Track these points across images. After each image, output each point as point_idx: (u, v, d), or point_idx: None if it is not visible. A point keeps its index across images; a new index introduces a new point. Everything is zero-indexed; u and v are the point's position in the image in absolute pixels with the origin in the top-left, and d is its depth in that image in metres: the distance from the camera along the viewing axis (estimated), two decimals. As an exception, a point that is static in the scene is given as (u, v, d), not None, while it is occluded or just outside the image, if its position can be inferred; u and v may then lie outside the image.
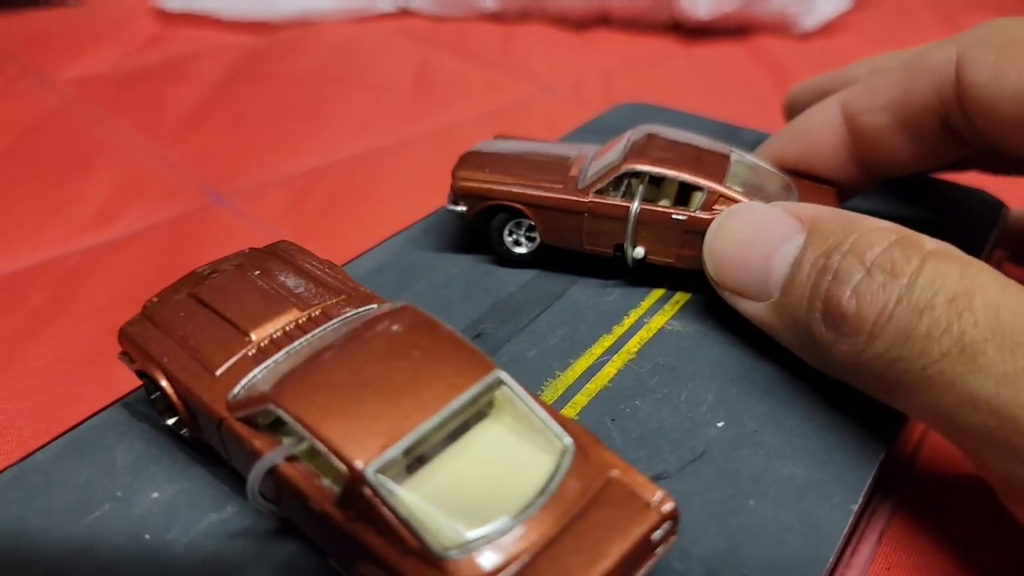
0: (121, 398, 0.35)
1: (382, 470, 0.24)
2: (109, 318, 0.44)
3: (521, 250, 0.42)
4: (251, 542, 0.29)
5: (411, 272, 0.43)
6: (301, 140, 0.65)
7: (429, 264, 0.43)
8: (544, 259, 0.42)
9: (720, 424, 0.34)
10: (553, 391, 0.35)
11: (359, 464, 0.24)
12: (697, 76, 0.85)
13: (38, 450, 0.32)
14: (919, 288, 0.30)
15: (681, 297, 0.41)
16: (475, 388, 0.26)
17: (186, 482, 0.31)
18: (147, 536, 0.29)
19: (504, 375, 0.27)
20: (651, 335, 0.39)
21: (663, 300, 0.41)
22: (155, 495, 0.30)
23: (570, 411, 0.34)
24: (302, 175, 0.61)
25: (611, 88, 0.79)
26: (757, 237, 0.36)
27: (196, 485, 0.31)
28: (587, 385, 0.36)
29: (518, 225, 0.41)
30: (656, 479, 0.31)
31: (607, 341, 0.38)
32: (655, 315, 0.40)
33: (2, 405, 0.38)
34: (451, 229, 0.46)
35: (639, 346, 0.38)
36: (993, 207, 0.49)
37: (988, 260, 0.45)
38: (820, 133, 0.42)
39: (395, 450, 0.24)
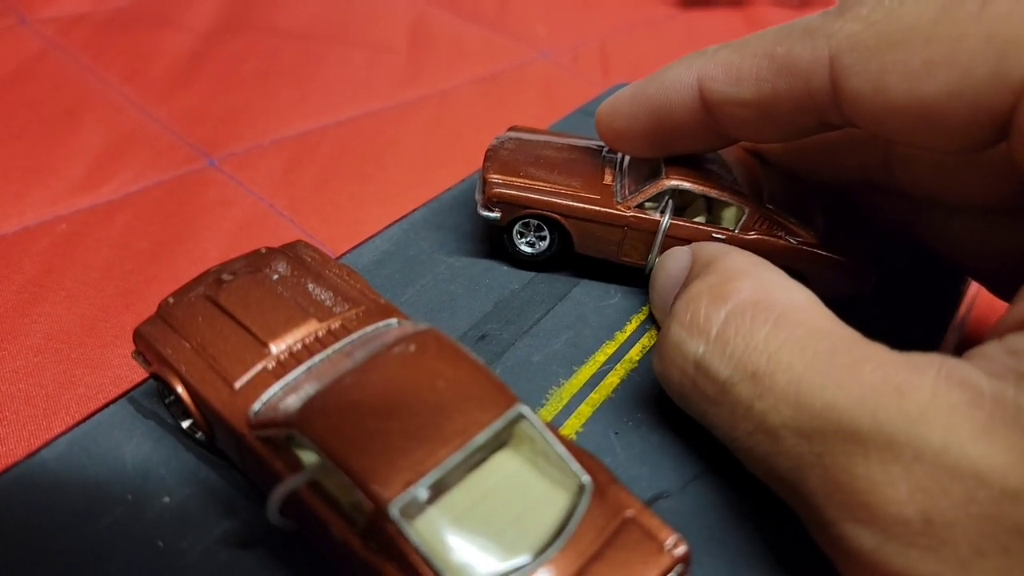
0: (125, 393, 0.35)
1: (405, 506, 0.24)
2: (102, 293, 0.44)
3: (530, 250, 0.42)
4: (266, 552, 0.29)
5: (414, 265, 0.42)
6: (295, 101, 0.64)
7: (432, 256, 0.43)
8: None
9: (719, 441, 0.35)
10: (558, 400, 0.36)
11: (383, 500, 0.24)
12: (693, 44, 0.84)
13: (45, 446, 0.32)
14: (716, 357, 0.30)
15: (682, 302, 0.42)
16: (498, 424, 0.26)
17: (197, 486, 0.31)
18: (160, 544, 0.29)
19: (525, 409, 0.27)
20: (653, 343, 0.39)
21: (665, 305, 0.42)
22: (166, 499, 0.30)
23: (575, 422, 0.35)
24: (296, 139, 0.60)
25: (608, 55, 0.78)
26: (669, 277, 0.37)
27: (207, 490, 0.31)
28: (591, 395, 0.36)
29: (526, 225, 0.41)
30: (657, 498, 0.32)
31: (610, 348, 0.39)
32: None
33: (-2, 386, 0.38)
34: (452, 219, 0.46)
35: (641, 354, 0.39)
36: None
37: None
38: (679, 113, 0.37)
39: (419, 486, 0.25)
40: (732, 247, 0.36)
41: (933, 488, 0.24)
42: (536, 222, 0.41)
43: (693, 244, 0.38)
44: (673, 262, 0.37)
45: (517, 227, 0.41)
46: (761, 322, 0.29)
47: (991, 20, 0.27)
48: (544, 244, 0.41)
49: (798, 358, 0.27)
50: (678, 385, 0.32)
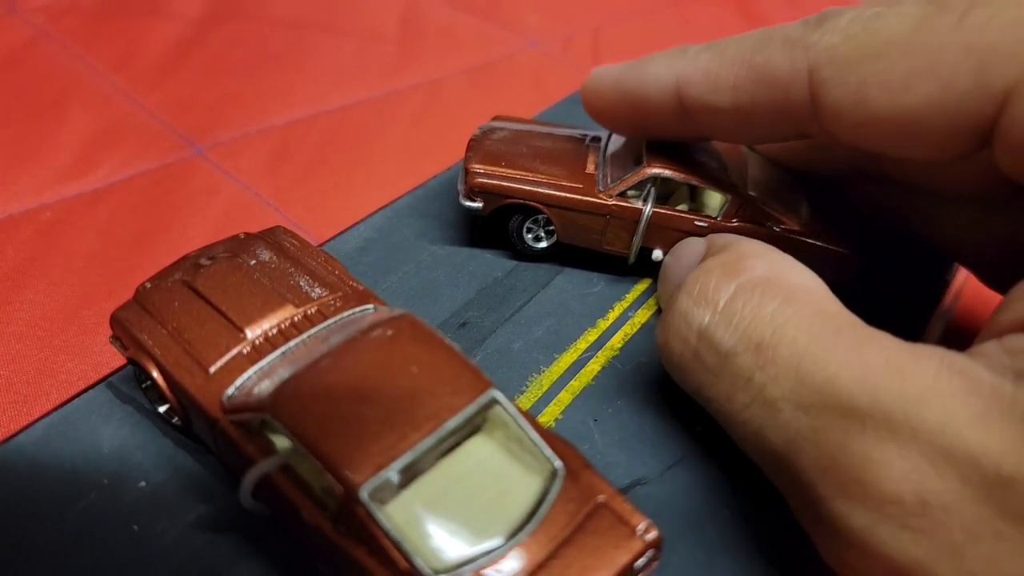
0: (105, 378, 0.35)
1: (376, 490, 0.24)
2: (85, 281, 0.44)
3: (543, 245, 0.42)
4: (241, 537, 0.29)
5: (397, 252, 0.42)
6: (283, 89, 0.63)
7: (415, 243, 0.43)
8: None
9: (699, 428, 0.35)
10: (538, 387, 0.36)
11: (353, 484, 0.24)
12: (686, 34, 0.84)
13: (22, 431, 0.32)
14: (721, 327, 0.29)
15: (666, 291, 0.42)
16: (470, 409, 0.26)
17: (173, 471, 0.31)
18: (135, 528, 0.29)
19: (498, 394, 0.27)
20: (635, 330, 0.39)
21: (648, 293, 0.42)
22: (142, 484, 0.30)
23: (554, 409, 0.35)
24: (284, 127, 0.59)
25: (600, 45, 0.78)
26: (681, 266, 0.37)
27: (183, 475, 0.31)
28: (571, 382, 0.36)
29: (535, 221, 0.41)
30: (635, 485, 0.32)
31: (592, 335, 0.39)
32: (640, 309, 0.41)
33: (-21, 372, 0.38)
34: (436, 207, 0.46)
35: (623, 342, 0.39)
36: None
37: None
38: (658, 109, 0.37)
39: (390, 471, 0.24)
40: (747, 237, 0.36)
41: (928, 468, 0.24)
42: (543, 216, 0.40)
43: (709, 236, 0.37)
44: (687, 249, 0.37)
45: (527, 223, 0.41)
46: (771, 297, 0.29)
47: (970, 31, 0.26)
48: (554, 237, 0.41)
49: (803, 332, 0.27)
50: (679, 355, 0.31)
